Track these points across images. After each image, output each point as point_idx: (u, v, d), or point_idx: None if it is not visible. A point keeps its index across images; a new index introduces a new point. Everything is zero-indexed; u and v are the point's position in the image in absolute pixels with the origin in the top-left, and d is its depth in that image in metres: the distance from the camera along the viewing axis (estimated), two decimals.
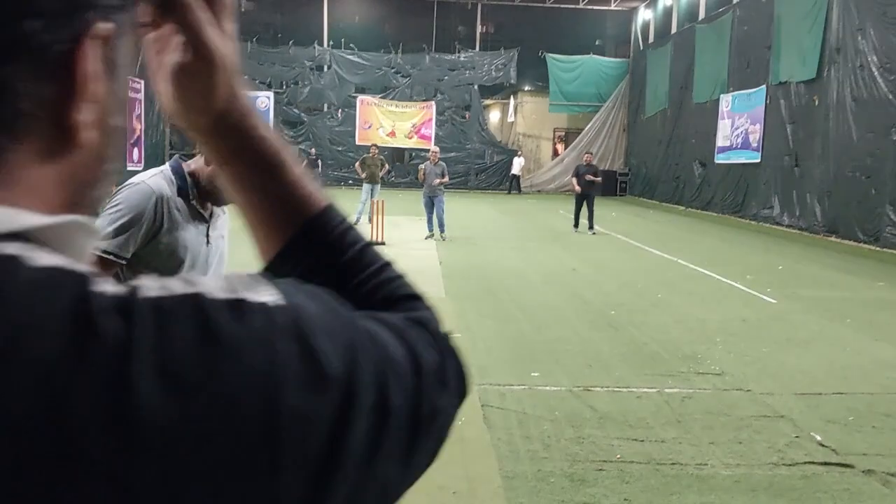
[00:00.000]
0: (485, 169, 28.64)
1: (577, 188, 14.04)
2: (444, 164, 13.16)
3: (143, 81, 25.52)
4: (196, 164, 2.16)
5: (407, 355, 0.46)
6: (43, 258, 0.36)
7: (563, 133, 29.73)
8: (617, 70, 28.77)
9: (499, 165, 28.57)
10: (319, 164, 26.48)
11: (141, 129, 25.36)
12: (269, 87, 27.69)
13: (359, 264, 0.54)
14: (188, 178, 2.13)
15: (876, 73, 13.61)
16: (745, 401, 4.63)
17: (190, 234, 2.13)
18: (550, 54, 27.97)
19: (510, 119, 29.92)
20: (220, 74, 0.52)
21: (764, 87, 17.88)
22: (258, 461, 0.36)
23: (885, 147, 13.25)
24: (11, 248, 0.36)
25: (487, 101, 30.20)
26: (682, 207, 21.72)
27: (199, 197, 2.15)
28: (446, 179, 12.87)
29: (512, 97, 29.60)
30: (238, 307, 0.38)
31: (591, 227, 13.83)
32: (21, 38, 0.37)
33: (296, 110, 27.92)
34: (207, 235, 2.20)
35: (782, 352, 5.86)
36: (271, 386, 0.37)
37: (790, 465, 3.70)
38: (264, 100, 26.84)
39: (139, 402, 0.33)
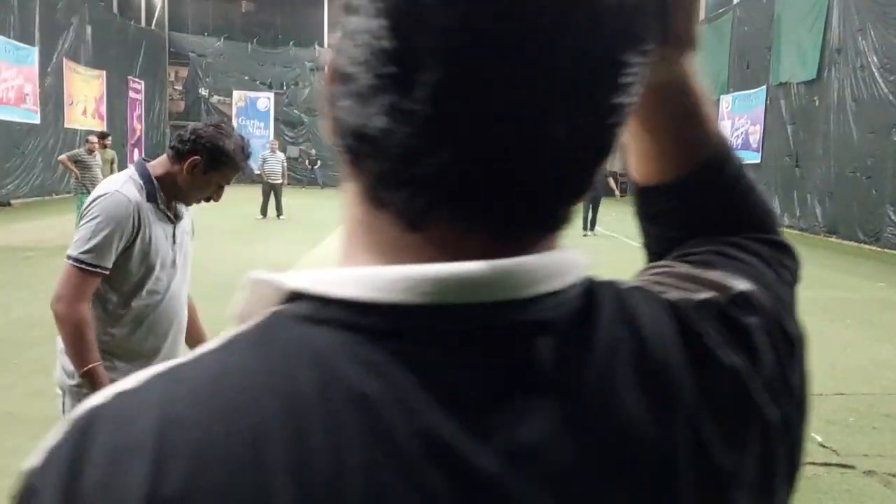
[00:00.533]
0: None
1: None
2: None
3: (142, 82, 25.57)
4: (163, 168, 2.17)
5: (787, 288, 0.55)
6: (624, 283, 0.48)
7: None
8: None
9: None
10: (319, 164, 26.52)
11: (141, 130, 25.36)
12: (269, 87, 27.74)
13: (741, 195, 0.61)
14: (155, 182, 2.14)
15: (876, 74, 13.62)
16: None
17: (159, 236, 2.15)
18: None
19: None
20: (689, 57, 0.55)
21: (764, 87, 17.89)
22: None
23: (886, 147, 13.25)
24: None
25: None
26: None
27: (165, 199, 2.17)
28: None
29: None
30: (738, 301, 0.48)
31: (592, 228, 13.74)
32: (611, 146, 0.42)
33: (296, 111, 27.95)
34: (174, 235, 2.23)
35: None
36: (794, 344, 0.50)
37: None
38: (265, 101, 26.87)
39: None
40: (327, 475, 0.35)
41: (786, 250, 0.59)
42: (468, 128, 0.37)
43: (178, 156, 2.13)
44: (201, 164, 2.12)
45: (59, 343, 2.13)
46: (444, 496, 0.36)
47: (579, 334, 0.42)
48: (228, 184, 2.24)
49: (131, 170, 2.17)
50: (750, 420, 0.45)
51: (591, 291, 0.44)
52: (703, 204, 0.60)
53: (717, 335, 0.46)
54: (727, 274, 0.50)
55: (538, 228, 0.42)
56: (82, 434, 0.37)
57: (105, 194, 2.07)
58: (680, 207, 0.60)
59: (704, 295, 0.48)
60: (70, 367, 2.09)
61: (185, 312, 2.31)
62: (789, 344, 0.50)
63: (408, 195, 0.39)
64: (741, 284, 0.49)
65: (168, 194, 2.16)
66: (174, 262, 2.22)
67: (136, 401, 0.38)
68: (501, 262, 0.39)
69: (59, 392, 2.18)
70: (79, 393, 2.09)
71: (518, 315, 0.40)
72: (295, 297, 0.41)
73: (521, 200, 0.40)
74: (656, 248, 0.63)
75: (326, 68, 0.43)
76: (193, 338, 2.46)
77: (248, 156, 2.23)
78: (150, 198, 2.12)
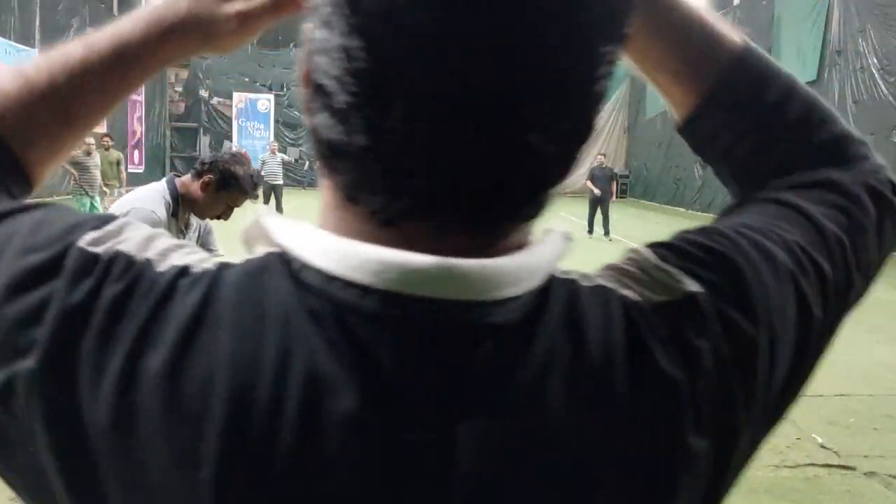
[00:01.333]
0: None
1: (597, 191, 13.74)
2: None
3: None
4: (185, 185, 2.55)
5: (839, 231, 0.55)
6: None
7: None
8: (617, 71, 28.73)
9: None
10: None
11: (141, 132, 25.37)
12: (269, 89, 27.75)
13: (786, 103, 0.56)
14: (179, 200, 2.52)
15: (876, 75, 13.61)
16: None
17: None
18: None
19: None
20: None
21: None
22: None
23: (886, 149, 13.23)
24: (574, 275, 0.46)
25: None
26: (683, 209, 21.72)
27: (183, 213, 2.55)
28: None
29: None
30: (686, 304, 0.45)
31: (606, 233, 13.10)
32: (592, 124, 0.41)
33: (296, 112, 27.93)
34: None
35: None
36: (753, 350, 0.48)
37: (792, 466, 3.70)
38: (265, 102, 26.88)
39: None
40: (263, 430, 0.38)
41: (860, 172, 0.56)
42: (449, 142, 0.37)
43: (197, 174, 2.56)
44: (213, 184, 2.53)
45: None
46: (357, 470, 0.39)
47: (519, 342, 0.41)
48: (238, 206, 2.66)
49: (164, 188, 2.51)
50: (675, 442, 0.43)
51: (547, 293, 0.43)
52: (741, 111, 0.57)
53: (664, 344, 0.43)
54: (680, 272, 0.46)
55: (516, 221, 0.42)
56: (108, 271, 0.42)
57: (138, 210, 2.33)
58: (722, 125, 0.57)
59: (660, 298, 0.45)
60: None
61: None
62: (744, 351, 0.45)
63: (384, 201, 0.40)
64: (691, 286, 0.46)
65: (185, 208, 2.56)
66: None
67: (152, 275, 0.42)
68: (470, 262, 0.39)
69: None
70: None
71: (475, 317, 0.40)
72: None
73: (499, 200, 0.39)
74: (739, 176, 0.60)
75: (300, 70, 0.42)
76: None
77: (256, 185, 2.69)
78: (173, 214, 2.50)
